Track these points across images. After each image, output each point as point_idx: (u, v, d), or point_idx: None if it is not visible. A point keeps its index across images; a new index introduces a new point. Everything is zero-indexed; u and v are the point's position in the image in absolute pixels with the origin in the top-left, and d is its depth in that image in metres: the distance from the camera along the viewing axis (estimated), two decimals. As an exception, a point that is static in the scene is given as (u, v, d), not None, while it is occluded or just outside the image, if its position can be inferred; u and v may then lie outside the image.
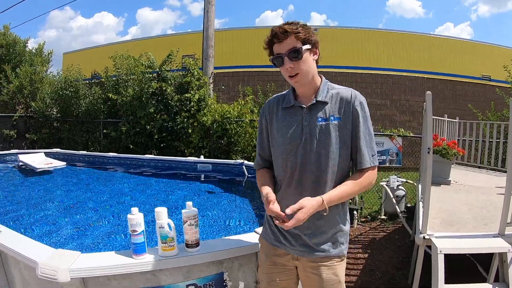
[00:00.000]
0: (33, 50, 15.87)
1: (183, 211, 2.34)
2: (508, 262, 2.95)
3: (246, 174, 6.95)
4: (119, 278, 2.37)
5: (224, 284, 2.62)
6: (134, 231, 2.28)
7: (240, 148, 9.98)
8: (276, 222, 1.92)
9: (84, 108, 12.35)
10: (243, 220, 4.82)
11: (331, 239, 2.07)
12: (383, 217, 7.21)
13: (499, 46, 18.97)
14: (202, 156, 8.11)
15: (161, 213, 2.30)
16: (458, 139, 7.67)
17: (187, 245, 2.41)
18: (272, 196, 1.98)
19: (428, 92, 3.46)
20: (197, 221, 2.36)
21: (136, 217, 2.26)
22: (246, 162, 7.13)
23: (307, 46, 1.92)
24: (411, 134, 9.59)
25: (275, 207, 1.93)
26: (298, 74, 1.96)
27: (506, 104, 11.08)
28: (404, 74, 17.51)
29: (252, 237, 2.75)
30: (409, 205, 7.34)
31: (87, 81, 13.27)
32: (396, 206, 6.53)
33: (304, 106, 2.04)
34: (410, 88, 17.48)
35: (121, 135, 11.33)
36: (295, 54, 1.91)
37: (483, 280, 3.51)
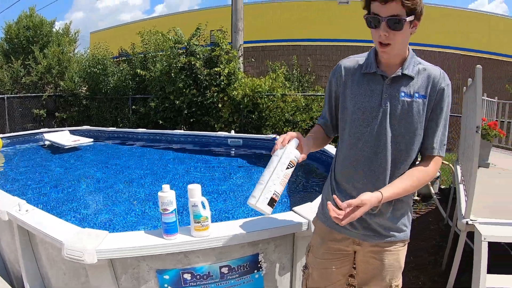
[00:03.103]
0: (60, 30, 16.04)
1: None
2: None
3: (279, 149, 6.69)
4: (149, 259, 2.26)
5: (259, 265, 2.50)
6: (165, 209, 2.14)
7: (271, 123, 9.86)
8: (332, 214, 1.68)
9: (112, 85, 12.43)
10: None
11: (397, 222, 1.90)
12: (416, 198, 6.98)
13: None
14: (232, 131, 8.00)
15: (195, 190, 2.15)
16: (497, 120, 7.33)
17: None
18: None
19: (478, 66, 3.24)
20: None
21: (167, 195, 2.13)
22: (278, 136, 6.87)
23: (411, 18, 1.66)
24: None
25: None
26: (390, 45, 1.70)
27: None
28: (437, 50, 16.93)
29: (289, 216, 2.60)
30: (443, 187, 7.11)
31: (115, 59, 13.33)
32: (431, 187, 6.31)
33: (387, 75, 1.80)
34: (444, 65, 16.88)
35: (150, 111, 11.38)
36: (395, 24, 1.65)
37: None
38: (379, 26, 1.67)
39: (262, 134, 8.82)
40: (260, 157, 6.92)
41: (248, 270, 2.46)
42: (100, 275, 2.26)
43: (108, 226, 4.01)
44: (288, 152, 1.79)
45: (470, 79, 4.65)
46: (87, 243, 2.17)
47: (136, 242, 2.21)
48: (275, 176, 1.74)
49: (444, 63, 16.77)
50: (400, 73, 1.77)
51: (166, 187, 2.14)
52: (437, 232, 5.46)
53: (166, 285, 2.32)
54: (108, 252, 2.15)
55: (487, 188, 4.28)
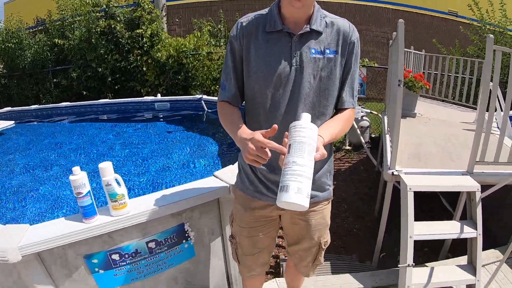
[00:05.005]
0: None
1: None
2: (477, 201, 2.93)
3: (206, 109, 6.79)
4: (74, 246, 2.14)
5: (187, 235, 2.47)
6: (79, 193, 1.98)
7: (198, 83, 9.77)
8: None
9: (30, 59, 11.55)
10: (204, 161, 4.64)
11: (319, 183, 1.86)
12: (347, 147, 7.23)
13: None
14: (159, 95, 7.90)
15: (106, 169, 2.01)
16: (423, 72, 7.56)
17: None
18: (258, 134, 1.48)
19: (401, 20, 3.26)
20: None
21: (78, 177, 1.96)
22: (205, 96, 6.95)
23: None
24: (376, 65, 9.55)
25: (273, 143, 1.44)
26: None
27: (470, 41, 11.08)
28: (368, 3, 17.18)
29: (211, 181, 2.54)
30: (373, 135, 7.37)
31: (31, 29, 12.44)
32: (361, 137, 6.59)
33: (294, 33, 1.65)
34: (374, 19, 17.17)
35: (73, 82, 10.82)
36: None
37: (449, 214, 3.60)
38: None
39: (190, 95, 8.74)
40: (187, 119, 6.85)
41: (176, 241, 2.44)
42: (30, 270, 2.13)
43: (34, 215, 3.72)
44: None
45: (394, 33, 4.72)
46: (7, 242, 2.00)
47: (58, 231, 2.06)
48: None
49: (374, 17, 17.12)
50: (308, 29, 1.64)
51: (76, 169, 1.97)
52: (369, 180, 5.72)
53: (96, 269, 2.24)
54: (31, 246, 2.00)
55: (414, 137, 4.50)
